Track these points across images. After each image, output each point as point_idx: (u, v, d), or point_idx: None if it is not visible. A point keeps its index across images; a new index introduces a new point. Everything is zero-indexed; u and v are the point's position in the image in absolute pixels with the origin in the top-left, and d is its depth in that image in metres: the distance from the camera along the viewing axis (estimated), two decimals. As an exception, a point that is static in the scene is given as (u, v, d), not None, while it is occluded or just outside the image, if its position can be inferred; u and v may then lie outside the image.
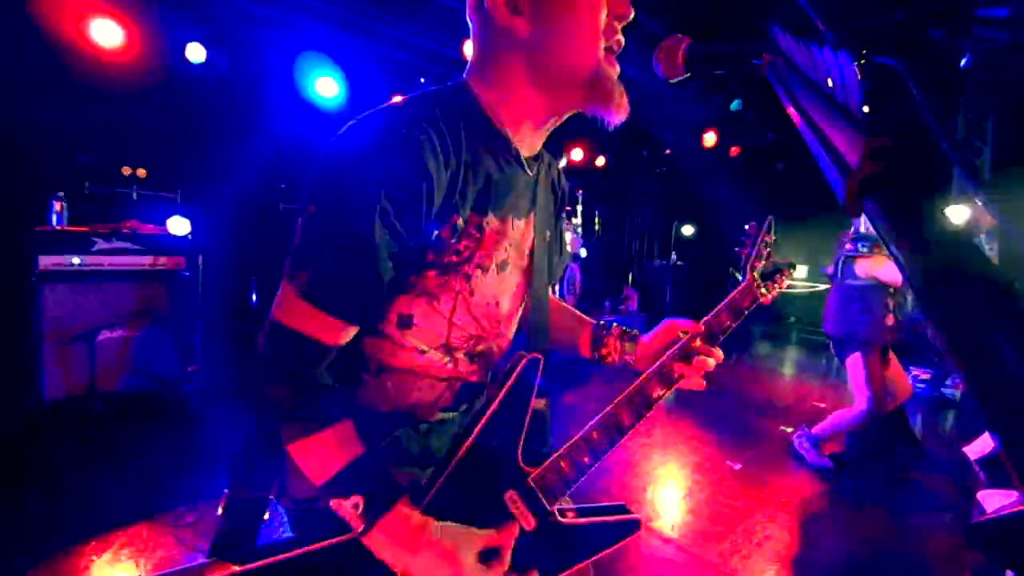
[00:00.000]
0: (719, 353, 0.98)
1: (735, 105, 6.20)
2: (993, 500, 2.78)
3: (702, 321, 1.01)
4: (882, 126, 0.52)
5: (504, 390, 0.85)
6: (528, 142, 0.88)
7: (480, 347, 0.90)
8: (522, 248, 0.92)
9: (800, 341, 8.03)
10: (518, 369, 0.86)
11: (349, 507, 0.72)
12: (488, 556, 0.78)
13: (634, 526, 0.95)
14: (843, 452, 3.42)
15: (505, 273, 0.89)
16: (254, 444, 0.89)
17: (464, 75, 0.86)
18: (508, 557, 0.80)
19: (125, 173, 3.91)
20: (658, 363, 0.95)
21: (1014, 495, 2.72)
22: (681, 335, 1.00)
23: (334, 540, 0.76)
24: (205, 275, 3.79)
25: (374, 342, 0.83)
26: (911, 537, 2.64)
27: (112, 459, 2.85)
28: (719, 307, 1.03)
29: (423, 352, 0.85)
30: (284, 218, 4.67)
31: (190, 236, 3.72)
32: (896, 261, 0.48)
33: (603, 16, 0.78)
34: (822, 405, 4.72)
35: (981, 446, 3.34)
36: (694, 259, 8.30)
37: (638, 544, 2.41)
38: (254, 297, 4.35)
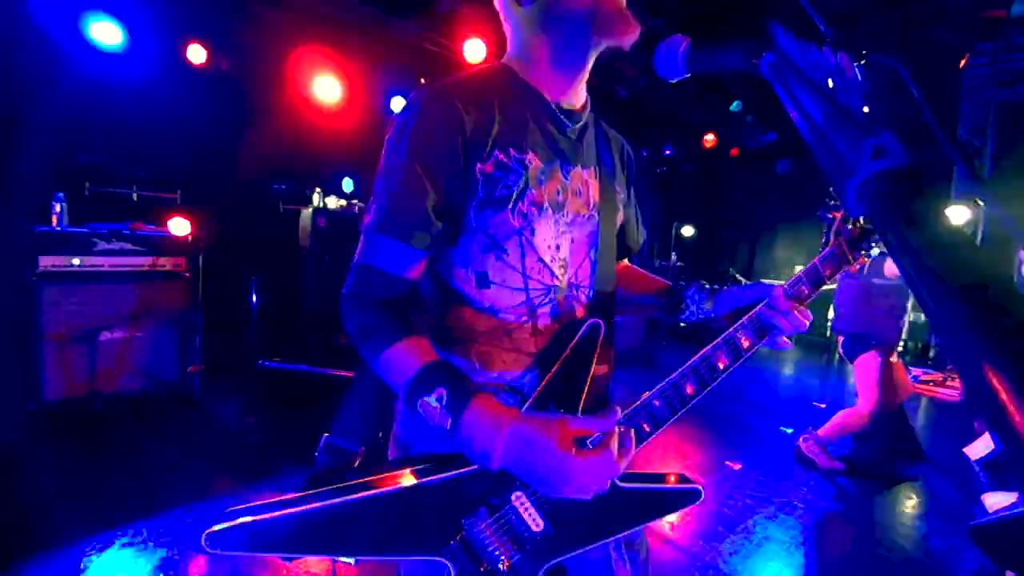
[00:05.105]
0: (807, 313, 0.97)
1: (735, 106, 6.19)
2: (995, 501, 2.78)
3: (784, 286, 0.99)
4: (882, 126, 0.52)
5: (564, 353, 0.87)
6: (565, 97, 0.93)
7: (561, 302, 0.91)
8: (586, 198, 0.94)
9: (800, 341, 8.03)
10: (580, 333, 0.88)
11: (433, 402, 0.76)
12: (585, 443, 0.77)
13: (696, 495, 0.93)
14: (849, 453, 3.41)
15: (562, 215, 0.91)
16: (352, 400, 0.98)
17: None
18: (614, 445, 0.79)
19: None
20: (753, 312, 0.97)
21: (1015, 496, 2.72)
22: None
23: (445, 474, 0.79)
24: (205, 275, 3.79)
25: (459, 310, 0.89)
26: (911, 537, 2.64)
27: (112, 459, 2.85)
28: (807, 268, 0.99)
29: (501, 313, 0.88)
30: (284, 218, 4.66)
31: (190, 236, 3.72)
32: (895, 260, 0.48)
33: None
34: (822, 406, 4.72)
35: (982, 447, 3.34)
36: (694, 260, 8.29)
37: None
38: (254, 297, 4.35)
